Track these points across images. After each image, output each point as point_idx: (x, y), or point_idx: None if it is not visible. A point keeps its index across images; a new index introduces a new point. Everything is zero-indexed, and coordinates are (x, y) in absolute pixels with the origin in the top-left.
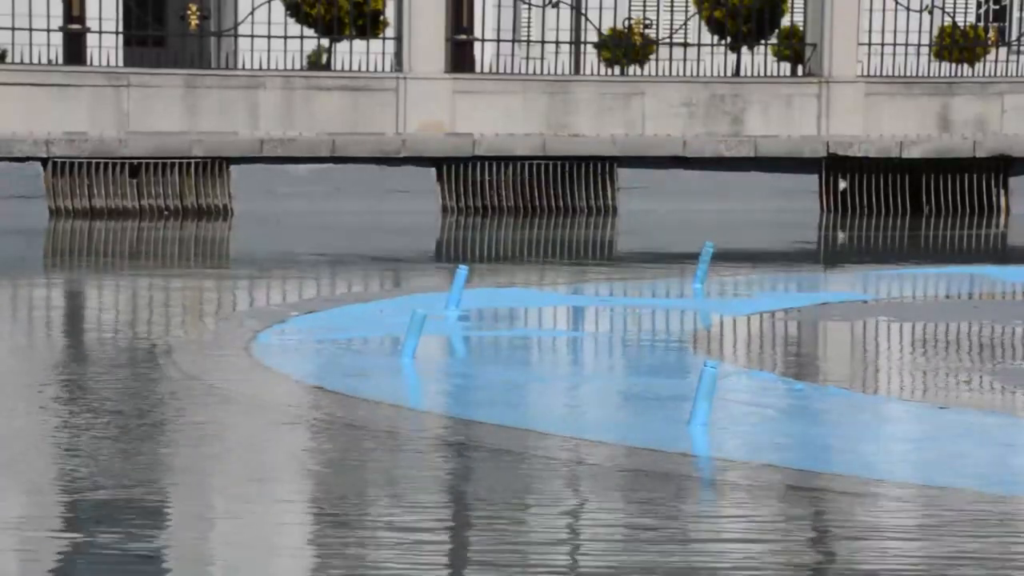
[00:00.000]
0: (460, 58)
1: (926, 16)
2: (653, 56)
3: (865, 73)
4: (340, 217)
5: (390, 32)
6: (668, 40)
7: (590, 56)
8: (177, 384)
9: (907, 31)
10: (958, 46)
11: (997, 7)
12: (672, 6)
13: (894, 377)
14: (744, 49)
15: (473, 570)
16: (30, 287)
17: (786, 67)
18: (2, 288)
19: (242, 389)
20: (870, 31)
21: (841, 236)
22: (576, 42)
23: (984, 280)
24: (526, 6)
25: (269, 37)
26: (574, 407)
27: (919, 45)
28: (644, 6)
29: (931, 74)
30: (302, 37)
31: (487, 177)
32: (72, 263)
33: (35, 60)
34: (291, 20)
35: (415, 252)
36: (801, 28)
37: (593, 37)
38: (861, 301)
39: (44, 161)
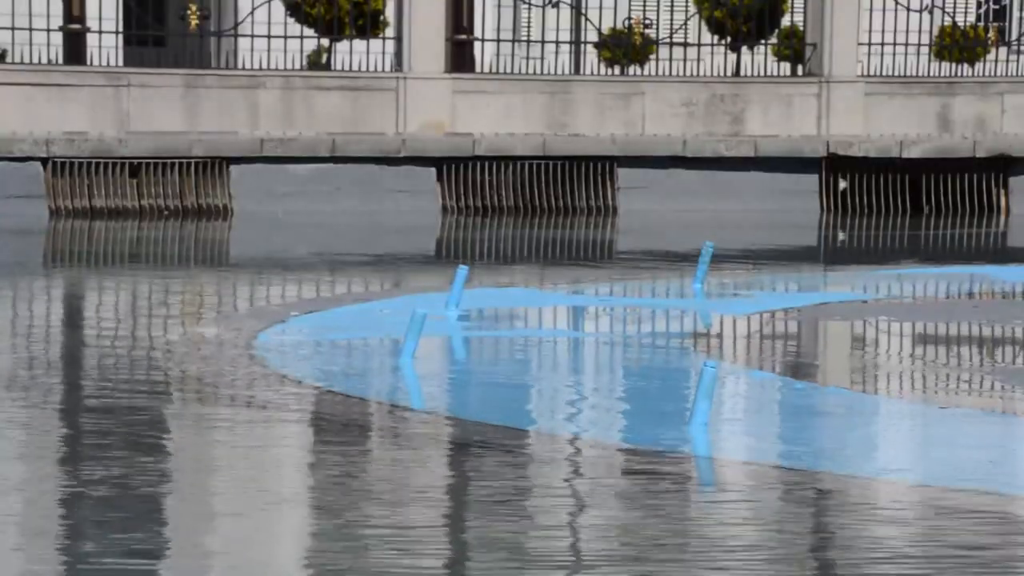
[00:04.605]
0: (460, 58)
1: (926, 16)
2: (653, 56)
3: (865, 73)
4: (340, 217)
5: (390, 32)
6: (668, 40)
7: (590, 56)
8: (177, 384)
9: (907, 31)
10: (958, 46)
11: (997, 7)
12: (672, 6)
13: (894, 377)
14: (744, 49)
15: (473, 570)
16: (30, 287)
17: (786, 67)
18: (1, 288)
19: (242, 389)
20: (870, 31)
21: (841, 236)
22: (576, 42)
23: (984, 280)
24: (526, 6)
25: (269, 37)
26: (574, 407)
27: (919, 45)
28: (644, 6)
29: (931, 74)
30: (302, 37)
31: (487, 177)
32: (72, 263)
33: (35, 60)
34: (291, 20)
35: (415, 252)
36: (801, 28)
37: (593, 37)
38: (861, 301)
39: (44, 161)
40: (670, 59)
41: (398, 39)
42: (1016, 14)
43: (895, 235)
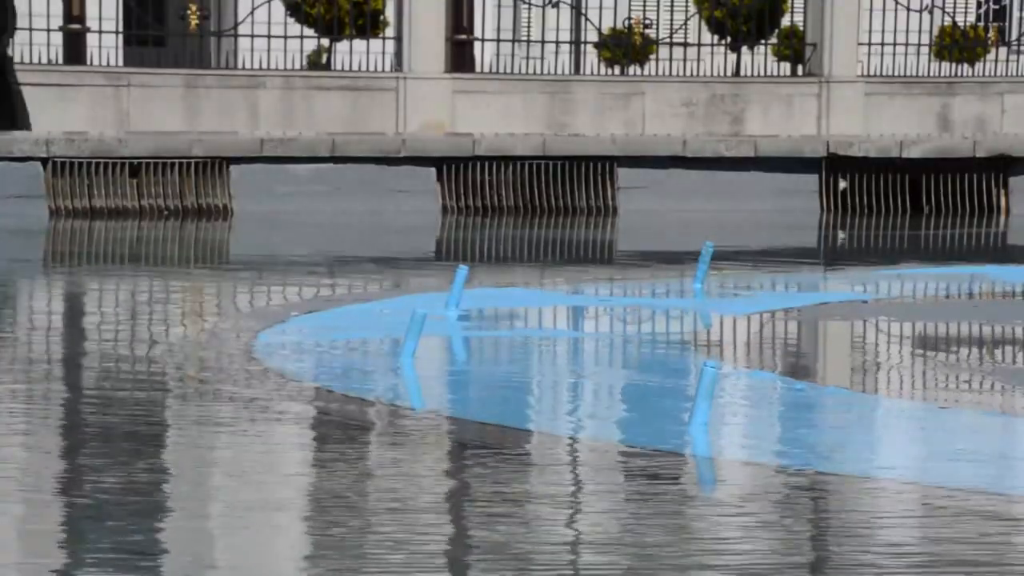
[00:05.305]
0: (460, 58)
1: (926, 16)
2: (653, 56)
3: (865, 73)
4: (340, 217)
5: (390, 32)
6: (668, 40)
7: (590, 56)
8: (177, 384)
9: (907, 31)
10: (958, 46)
11: (997, 7)
12: (672, 6)
13: (894, 377)
14: (744, 49)
15: (472, 571)
16: (30, 287)
17: (786, 67)
18: (2, 288)
19: (242, 389)
20: (870, 31)
21: (841, 236)
22: (576, 42)
23: (984, 280)
24: (526, 6)
25: (269, 37)
26: (574, 407)
27: (919, 45)
28: (644, 6)
29: (931, 74)
30: (302, 37)
31: (487, 177)
32: (72, 263)
33: (35, 60)
34: (291, 20)
35: (415, 252)
36: (801, 28)
37: (593, 37)
38: (861, 301)
39: (44, 161)
40: (670, 59)
41: (398, 39)
42: (1016, 14)
43: (895, 235)
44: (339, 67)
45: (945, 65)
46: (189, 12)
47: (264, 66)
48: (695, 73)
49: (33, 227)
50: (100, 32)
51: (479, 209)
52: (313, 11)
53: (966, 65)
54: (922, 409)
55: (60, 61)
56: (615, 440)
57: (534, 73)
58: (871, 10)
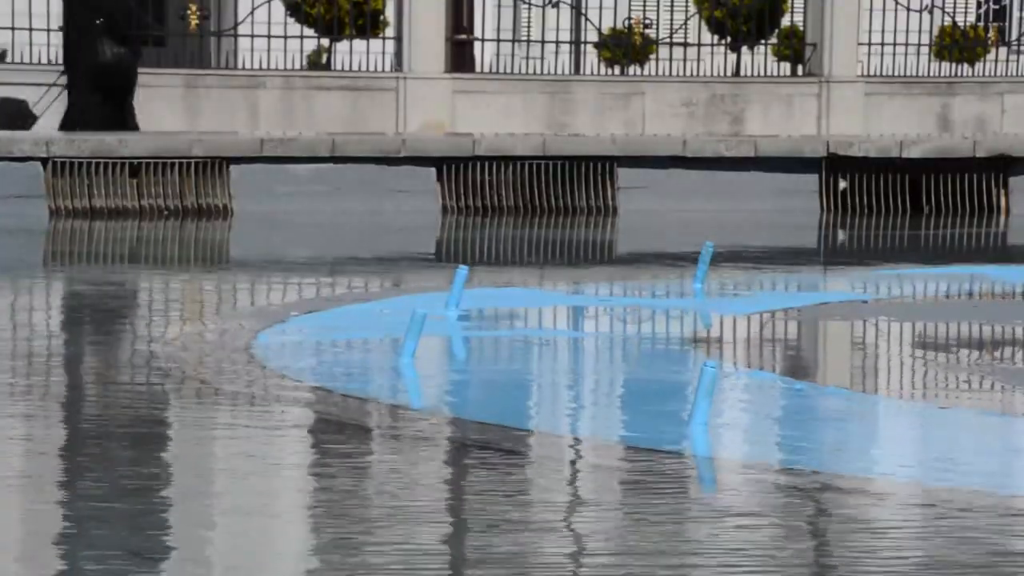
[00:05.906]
0: (460, 58)
1: (926, 16)
2: (653, 56)
3: (865, 73)
4: (340, 217)
5: (390, 32)
6: (668, 40)
7: (590, 56)
8: (176, 384)
9: (907, 31)
10: (958, 46)
11: (997, 7)
12: (672, 6)
13: (894, 377)
14: (744, 49)
15: (472, 571)
16: (30, 287)
17: (786, 67)
18: (2, 288)
19: (242, 389)
20: (870, 31)
21: (841, 236)
22: (576, 42)
23: (984, 280)
24: (526, 6)
25: (269, 37)
26: (574, 407)
27: (919, 45)
28: (644, 6)
29: (931, 74)
30: (302, 37)
31: (487, 177)
32: (72, 263)
33: (35, 60)
34: (291, 20)
35: (415, 252)
36: (801, 28)
37: (593, 37)
38: (861, 301)
39: (44, 161)
40: (670, 59)
41: (398, 39)
42: (1016, 14)
43: (895, 235)
44: (339, 67)
45: (945, 65)
46: (189, 12)
47: (264, 66)
48: (695, 73)
49: (33, 227)
50: None
51: (479, 209)
52: (313, 11)
53: (966, 65)
54: (922, 409)
55: (60, 61)
56: (614, 439)
57: (534, 73)
58: (871, 10)
